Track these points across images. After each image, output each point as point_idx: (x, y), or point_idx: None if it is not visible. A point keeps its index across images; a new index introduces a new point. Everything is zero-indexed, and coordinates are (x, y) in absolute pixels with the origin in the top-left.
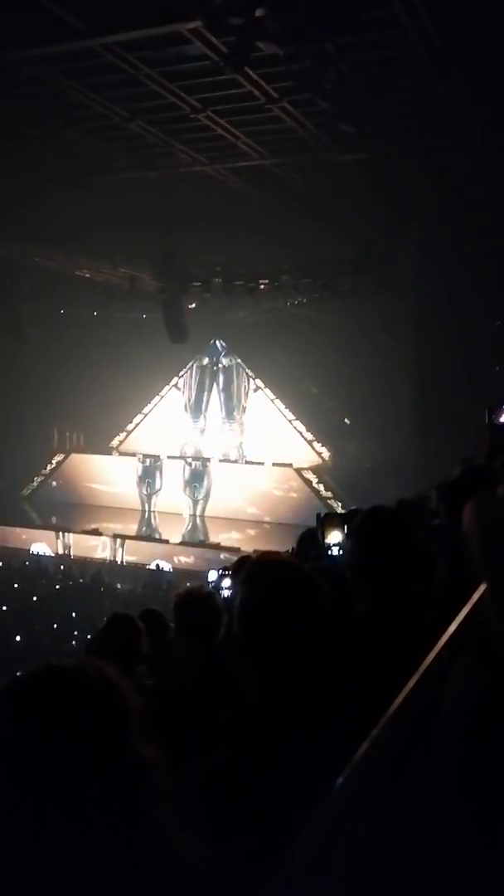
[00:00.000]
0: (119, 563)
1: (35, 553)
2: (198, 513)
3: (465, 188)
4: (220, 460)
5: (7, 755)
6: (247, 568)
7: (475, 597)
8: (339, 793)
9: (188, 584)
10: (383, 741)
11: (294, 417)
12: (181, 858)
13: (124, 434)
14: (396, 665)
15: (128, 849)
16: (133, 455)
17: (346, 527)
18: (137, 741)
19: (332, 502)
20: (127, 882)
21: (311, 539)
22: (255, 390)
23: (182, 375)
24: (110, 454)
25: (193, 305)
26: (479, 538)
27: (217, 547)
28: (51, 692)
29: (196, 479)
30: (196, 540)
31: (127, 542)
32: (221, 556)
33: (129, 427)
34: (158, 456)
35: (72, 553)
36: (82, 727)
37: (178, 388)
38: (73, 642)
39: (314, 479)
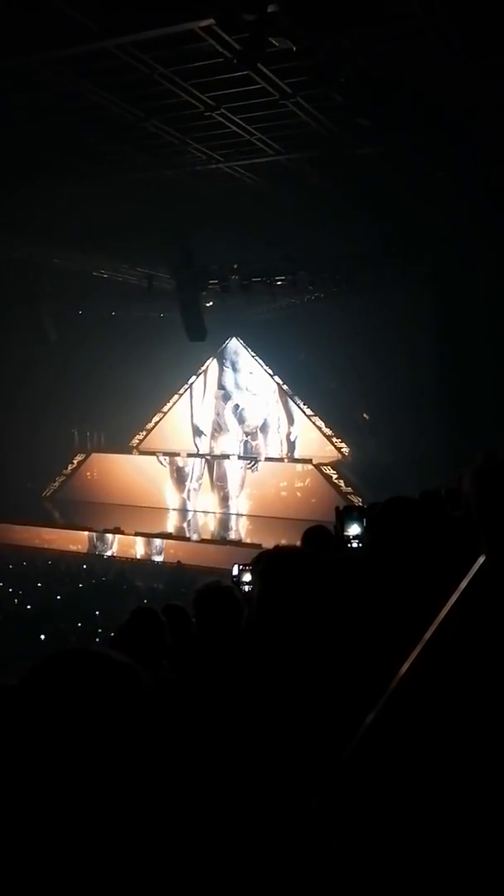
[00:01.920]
0: (141, 561)
1: (58, 552)
2: (218, 510)
3: (487, 179)
4: (240, 457)
5: (25, 740)
6: (264, 561)
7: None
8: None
9: (208, 579)
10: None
11: (313, 413)
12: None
13: (144, 433)
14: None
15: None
16: (153, 454)
17: (365, 519)
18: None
19: (352, 497)
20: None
21: (317, 535)
22: (274, 386)
23: (200, 373)
24: (130, 453)
25: (211, 304)
26: (475, 497)
27: (238, 544)
28: (64, 674)
29: (216, 476)
30: (217, 537)
31: (148, 540)
32: (243, 553)
33: (149, 426)
34: (178, 454)
35: (94, 552)
36: (99, 705)
37: (197, 386)
38: (97, 639)
39: (334, 475)
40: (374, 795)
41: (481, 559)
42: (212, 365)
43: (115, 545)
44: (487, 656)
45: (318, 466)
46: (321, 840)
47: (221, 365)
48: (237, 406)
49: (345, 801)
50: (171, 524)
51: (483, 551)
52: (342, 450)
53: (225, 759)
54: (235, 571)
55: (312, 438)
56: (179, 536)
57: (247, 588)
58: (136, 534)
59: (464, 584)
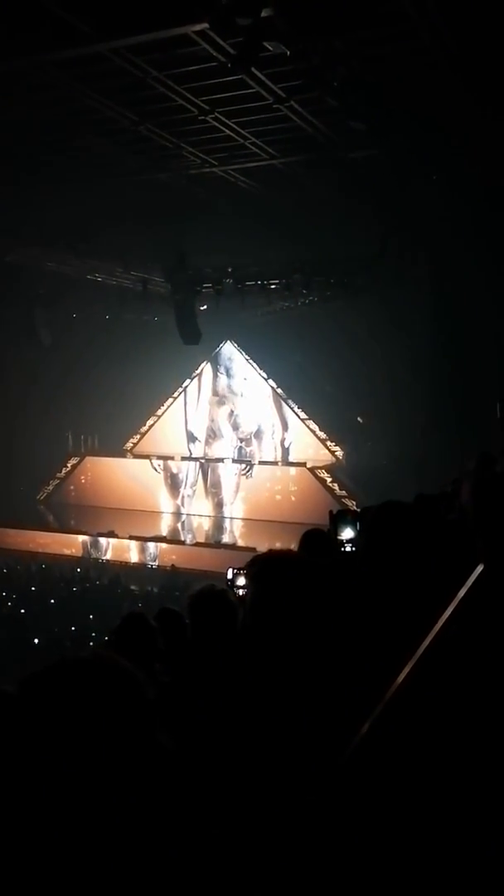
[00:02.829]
0: (135, 565)
1: (52, 556)
2: (212, 513)
3: (482, 179)
4: (234, 461)
5: (30, 747)
6: (258, 565)
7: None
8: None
9: (202, 583)
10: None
11: (307, 417)
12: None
13: (138, 436)
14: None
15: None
16: (147, 457)
17: (358, 523)
18: (156, 729)
19: (346, 501)
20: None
21: (316, 538)
22: (268, 390)
23: (195, 377)
24: (125, 456)
25: (205, 307)
26: (474, 507)
27: (233, 547)
28: (69, 682)
29: (210, 482)
30: (212, 540)
31: (143, 543)
32: (237, 556)
33: (143, 429)
34: (172, 457)
35: (88, 556)
36: (103, 715)
37: (191, 390)
38: (91, 643)
39: (328, 478)
40: (370, 798)
41: (480, 568)
42: (206, 369)
43: (110, 549)
44: (485, 663)
45: (312, 470)
46: (316, 841)
47: (216, 370)
48: (231, 412)
49: (340, 803)
50: (165, 528)
51: (481, 560)
52: (336, 453)
53: (220, 761)
54: (230, 575)
55: (307, 442)
56: (174, 540)
57: (241, 591)
58: (131, 537)
59: (462, 593)
